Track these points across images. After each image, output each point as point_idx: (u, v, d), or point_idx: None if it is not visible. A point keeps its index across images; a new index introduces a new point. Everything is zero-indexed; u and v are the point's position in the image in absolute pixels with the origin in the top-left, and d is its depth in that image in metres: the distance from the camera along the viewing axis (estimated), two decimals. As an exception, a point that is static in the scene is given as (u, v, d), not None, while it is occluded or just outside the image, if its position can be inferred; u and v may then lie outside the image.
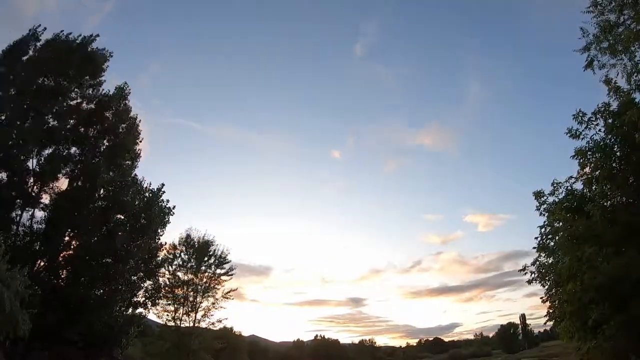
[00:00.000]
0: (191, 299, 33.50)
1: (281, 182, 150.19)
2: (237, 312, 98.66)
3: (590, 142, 12.44)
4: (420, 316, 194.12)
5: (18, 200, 16.59)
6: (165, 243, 20.68)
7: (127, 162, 19.02)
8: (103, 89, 18.84)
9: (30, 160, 16.83)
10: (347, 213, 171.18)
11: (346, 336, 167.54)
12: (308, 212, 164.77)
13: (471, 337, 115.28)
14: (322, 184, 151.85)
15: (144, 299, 19.63)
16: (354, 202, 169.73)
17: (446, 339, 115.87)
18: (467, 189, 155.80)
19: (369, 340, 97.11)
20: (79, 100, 18.30)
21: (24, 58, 17.59)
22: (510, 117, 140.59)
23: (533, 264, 14.37)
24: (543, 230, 14.05)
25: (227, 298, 34.49)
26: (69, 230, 16.96)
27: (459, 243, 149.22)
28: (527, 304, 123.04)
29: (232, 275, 34.87)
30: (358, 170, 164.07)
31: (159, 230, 19.18)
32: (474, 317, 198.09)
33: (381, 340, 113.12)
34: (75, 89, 18.23)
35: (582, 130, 12.52)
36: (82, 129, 17.95)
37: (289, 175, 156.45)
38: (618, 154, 12.24)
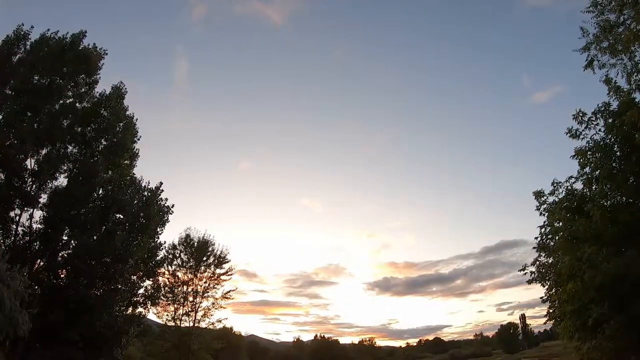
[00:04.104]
0: (191, 299, 33.52)
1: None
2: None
3: (590, 142, 12.46)
4: (402, 316, 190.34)
5: (17, 200, 16.56)
6: (165, 242, 20.63)
7: (126, 161, 19.01)
8: (98, 91, 18.71)
9: (28, 159, 16.80)
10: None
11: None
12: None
13: (459, 338, 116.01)
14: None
15: (143, 298, 19.64)
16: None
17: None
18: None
19: (369, 340, 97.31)
20: (74, 99, 18.18)
21: (15, 58, 17.46)
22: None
23: (533, 263, 14.40)
24: (543, 230, 14.06)
25: (227, 298, 34.55)
26: (68, 229, 16.94)
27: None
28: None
29: (231, 275, 34.94)
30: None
31: (158, 229, 19.16)
32: (447, 315, 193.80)
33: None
34: (71, 88, 18.14)
35: (582, 130, 12.54)
36: (79, 128, 17.87)
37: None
38: (618, 153, 12.25)
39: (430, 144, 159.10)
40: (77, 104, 18.20)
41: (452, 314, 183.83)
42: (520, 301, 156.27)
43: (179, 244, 34.00)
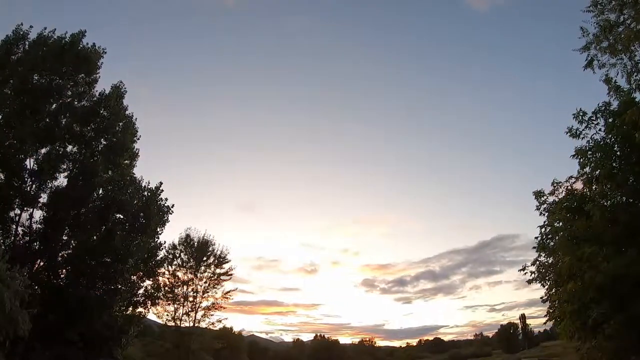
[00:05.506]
0: (191, 299, 33.54)
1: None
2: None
3: (590, 141, 12.45)
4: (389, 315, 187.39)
5: (17, 200, 16.57)
6: (165, 242, 20.64)
7: (126, 161, 19.02)
8: (97, 90, 18.68)
9: (28, 159, 16.80)
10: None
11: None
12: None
13: (458, 338, 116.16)
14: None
15: (143, 298, 19.66)
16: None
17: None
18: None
19: (369, 340, 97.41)
20: (73, 99, 18.15)
21: (14, 57, 17.43)
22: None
23: (533, 263, 14.38)
24: (543, 230, 14.04)
25: (227, 298, 34.57)
26: (68, 229, 16.95)
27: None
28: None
29: (231, 275, 34.96)
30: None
31: (158, 229, 19.17)
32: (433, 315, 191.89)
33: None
34: (71, 87, 18.10)
35: (582, 130, 12.53)
36: (78, 127, 17.86)
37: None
38: (618, 153, 12.23)
39: (423, 139, 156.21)
40: (76, 103, 18.19)
41: (447, 314, 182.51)
42: (518, 300, 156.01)
43: (179, 244, 34.06)
